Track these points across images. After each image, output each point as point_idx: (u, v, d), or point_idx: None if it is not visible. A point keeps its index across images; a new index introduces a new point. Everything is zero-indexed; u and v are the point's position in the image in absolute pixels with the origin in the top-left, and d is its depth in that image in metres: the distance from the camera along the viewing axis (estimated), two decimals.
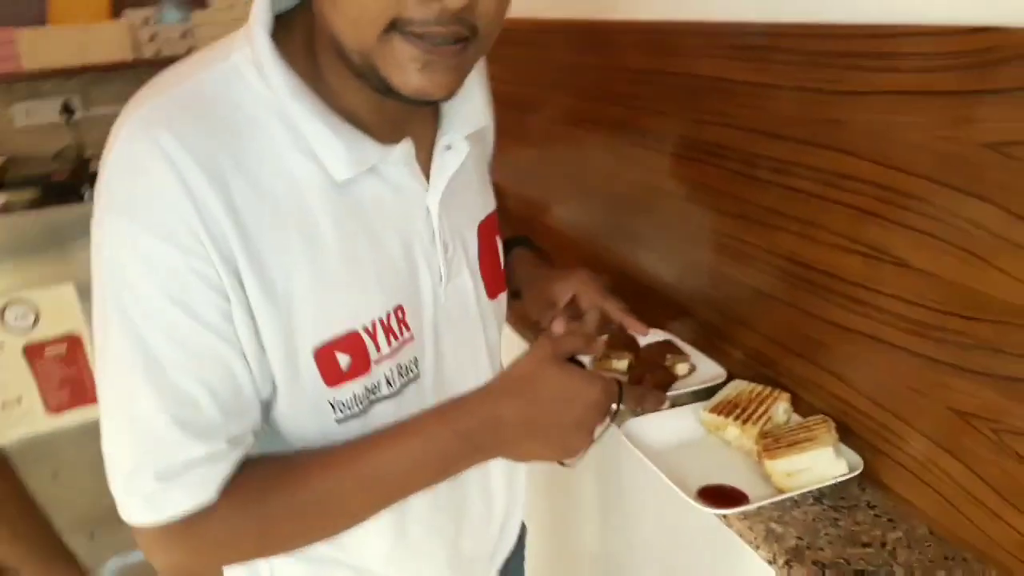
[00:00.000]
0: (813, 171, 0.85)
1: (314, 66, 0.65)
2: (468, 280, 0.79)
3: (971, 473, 0.74)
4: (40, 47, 3.08)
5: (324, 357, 0.67)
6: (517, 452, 0.71)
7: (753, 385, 0.99)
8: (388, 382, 0.71)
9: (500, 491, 0.90)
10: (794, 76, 0.85)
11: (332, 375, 0.67)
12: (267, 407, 0.69)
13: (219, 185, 0.59)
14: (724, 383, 1.03)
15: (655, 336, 1.19)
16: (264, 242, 0.62)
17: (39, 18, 3.20)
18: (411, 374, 0.74)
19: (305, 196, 0.64)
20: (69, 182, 3.02)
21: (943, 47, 0.68)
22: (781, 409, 0.95)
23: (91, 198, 0.61)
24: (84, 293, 1.95)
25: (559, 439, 0.70)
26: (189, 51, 0.78)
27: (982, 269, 0.68)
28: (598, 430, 0.71)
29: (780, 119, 0.89)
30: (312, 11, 0.63)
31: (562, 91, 1.39)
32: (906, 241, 0.76)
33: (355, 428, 0.70)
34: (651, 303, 1.23)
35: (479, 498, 0.87)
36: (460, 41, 0.58)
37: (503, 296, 0.87)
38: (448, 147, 0.73)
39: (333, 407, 0.69)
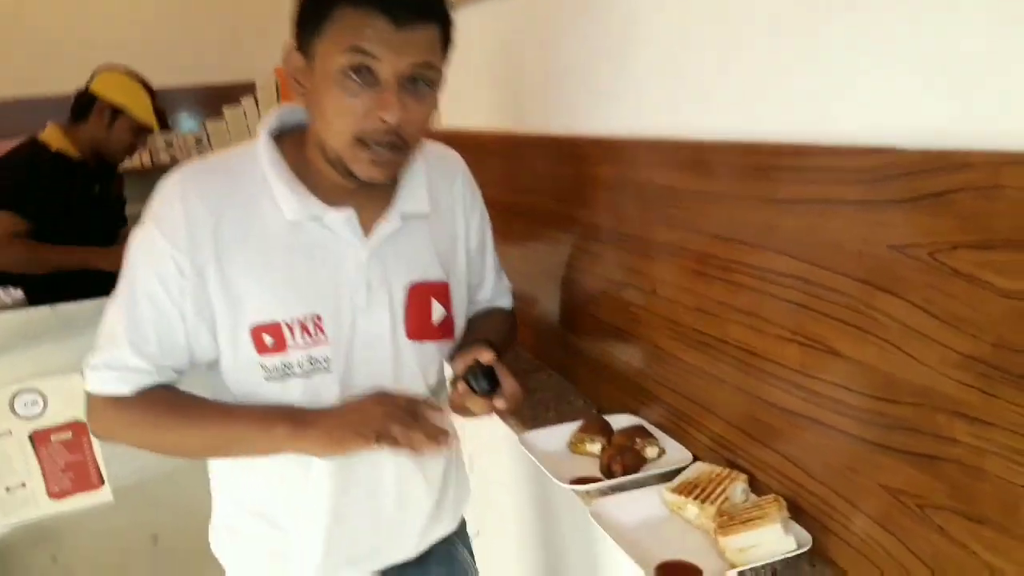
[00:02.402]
0: (754, 268, 0.95)
1: (302, 155, 1.04)
2: (387, 318, 1.07)
3: (903, 547, 0.80)
4: None
5: (256, 334, 1.01)
6: (320, 424, 1.00)
7: (713, 467, 1.06)
8: (299, 365, 1.02)
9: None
10: (733, 186, 0.96)
11: (260, 347, 1.01)
12: (215, 364, 1.04)
13: (211, 214, 0.98)
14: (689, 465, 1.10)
15: (628, 420, 1.27)
16: (232, 254, 0.99)
17: None
18: (321, 366, 1.04)
19: (268, 230, 1.00)
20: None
21: (851, 163, 0.78)
22: (739, 489, 1.01)
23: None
24: None
25: (337, 428, 0.99)
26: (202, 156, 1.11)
27: (897, 355, 0.76)
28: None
29: (723, 223, 0.99)
30: (308, 128, 1.03)
31: (542, 196, 1.51)
32: (834, 332, 0.84)
33: (276, 389, 1.03)
34: (626, 388, 1.31)
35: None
36: (395, 148, 0.97)
37: (428, 344, 1.12)
38: (387, 221, 1.06)
39: (262, 368, 1.02)
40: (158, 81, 3.45)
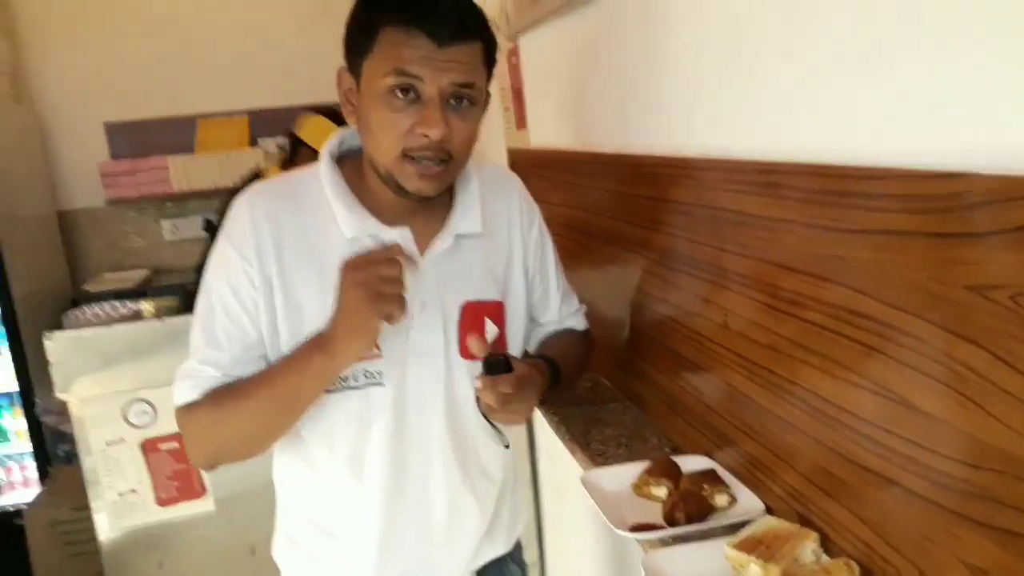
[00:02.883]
0: (824, 305, 0.85)
1: (360, 177, 1.07)
2: (440, 335, 1.08)
3: None
4: (188, 171, 3.46)
5: None
6: (337, 335, 0.98)
7: (782, 522, 0.96)
8: (354, 377, 1.05)
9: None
10: (801, 212, 0.87)
11: None
12: None
13: (275, 230, 1.02)
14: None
15: (700, 463, 1.18)
16: (294, 267, 1.03)
17: (188, 148, 3.61)
18: (374, 380, 1.05)
19: (327, 245, 1.03)
20: None
21: (924, 189, 0.68)
22: (809, 549, 0.91)
23: None
24: None
25: (351, 330, 0.97)
26: None
27: (978, 414, 0.66)
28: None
29: (793, 253, 0.90)
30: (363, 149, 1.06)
31: (614, 216, 1.45)
32: (910, 382, 0.74)
33: (336, 399, 1.05)
34: (700, 427, 1.22)
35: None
36: (442, 163, 0.99)
37: (478, 364, 1.07)
38: (441, 240, 1.08)
39: None
40: (284, 101, 3.64)
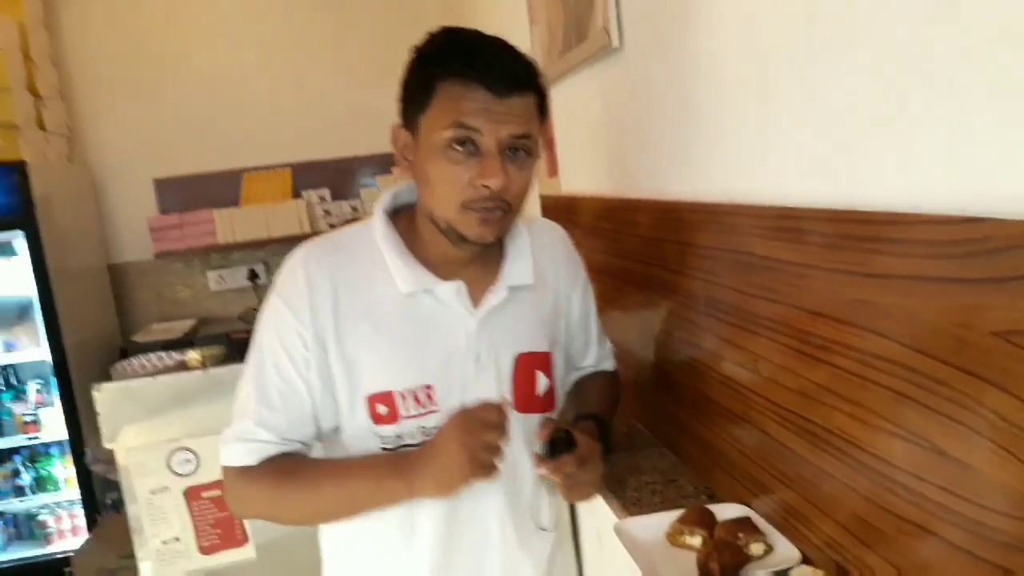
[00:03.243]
0: (853, 350, 0.84)
1: (413, 231, 1.07)
2: (494, 388, 1.08)
3: None
4: (233, 223, 3.56)
5: (371, 403, 1.04)
6: (423, 474, 0.99)
7: (818, 572, 0.94)
8: (411, 435, 1.04)
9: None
10: (826, 257, 0.86)
11: (376, 417, 1.04)
12: (335, 432, 1.06)
13: (331, 287, 1.02)
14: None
15: (737, 511, 1.16)
16: (349, 325, 1.02)
17: (234, 200, 3.71)
18: (430, 436, 1.03)
19: (382, 302, 1.04)
20: (248, 340, 3.38)
21: (946, 235, 0.68)
22: None
23: None
24: None
25: (442, 473, 0.97)
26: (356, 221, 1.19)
27: (1009, 461, 0.64)
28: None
29: (819, 298, 0.89)
30: (418, 203, 1.07)
31: (646, 261, 1.45)
32: (941, 428, 0.72)
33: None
34: (736, 474, 1.20)
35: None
36: (500, 210, 1.00)
37: (533, 416, 1.12)
38: (495, 293, 1.08)
39: (379, 438, 1.04)
40: (325, 154, 3.74)
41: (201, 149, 3.79)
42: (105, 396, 2.06)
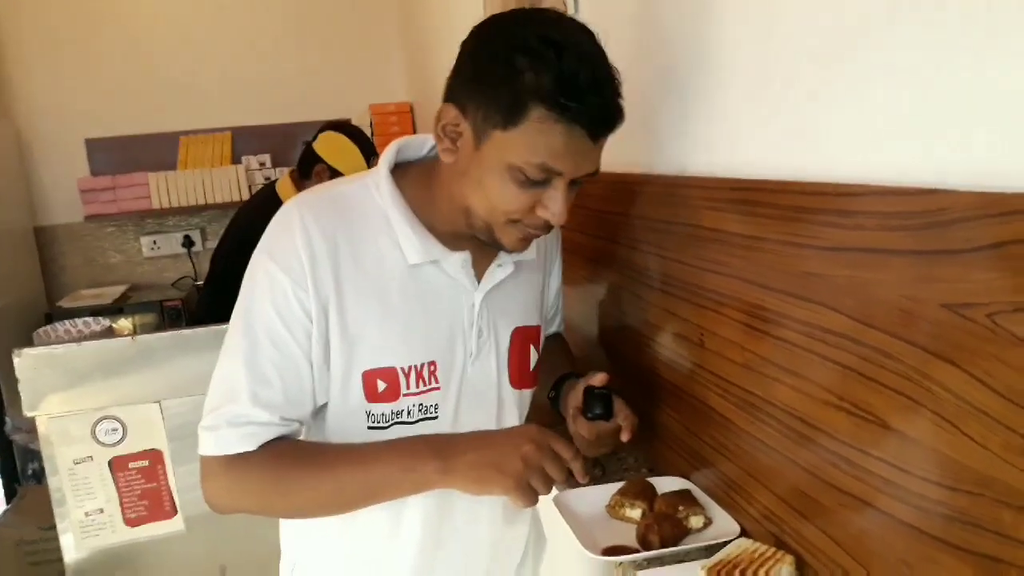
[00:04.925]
0: (799, 323, 0.84)
1: (421, 194, 0.97)
2: (493, 364, 1.04)
3: None
4: (169, 187, 3.43)
5: (368, 379, 0.95)
6: (466, 462, 0.89)
7: (757, 545, 0.94)
8: (408, 412, 0.98)
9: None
10: (777, 229, 0.86)
11: (371, 394, 0.96)
12: (321, 408, 0.97)
13: (331, 251, 0.91)
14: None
15: (677, 484, 1.16)
16: (350, 295, 0.93)
17: (170, 164, 3.58)
18: (429, 414, 0.99)
19: (386, 270, 0.95)
20: (182, 308, 3.28)
21: (900, 206, 0.67)
22: (784, 572, 0.89)
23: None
24: (166, 413, 2.07)
25: (483, 468, 0.89)
26: None
27: (953, 435, 0.64)
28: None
29: (769, 271, 0.88)
30: (430, 165, 0.99)
31: (595, 235, 1.44)
32: (886, 401, 0.72)
33: (376, 436, 0.96)
34: (678, 448, 1.20)
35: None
36: (544, 231, 0.95)
37: (527, 392, 1.11)
38: (499, 265, 1.03)
39: (367, 416, 0.97)
40: (267, 119, 3.62)
41: (137, 109, 3.63)
42: (26, 362, 1.97)
